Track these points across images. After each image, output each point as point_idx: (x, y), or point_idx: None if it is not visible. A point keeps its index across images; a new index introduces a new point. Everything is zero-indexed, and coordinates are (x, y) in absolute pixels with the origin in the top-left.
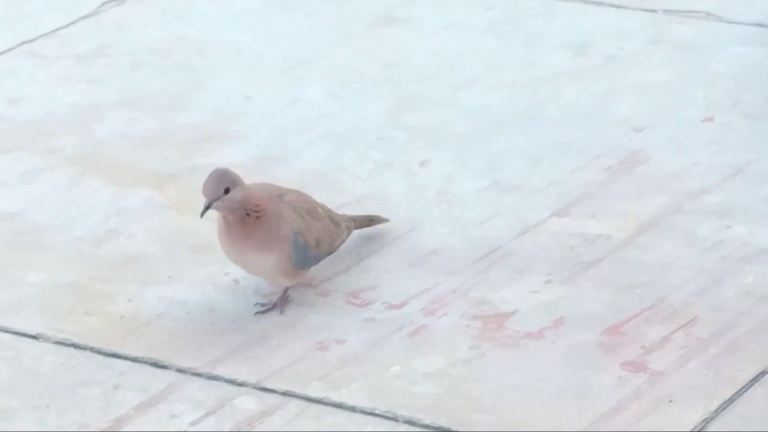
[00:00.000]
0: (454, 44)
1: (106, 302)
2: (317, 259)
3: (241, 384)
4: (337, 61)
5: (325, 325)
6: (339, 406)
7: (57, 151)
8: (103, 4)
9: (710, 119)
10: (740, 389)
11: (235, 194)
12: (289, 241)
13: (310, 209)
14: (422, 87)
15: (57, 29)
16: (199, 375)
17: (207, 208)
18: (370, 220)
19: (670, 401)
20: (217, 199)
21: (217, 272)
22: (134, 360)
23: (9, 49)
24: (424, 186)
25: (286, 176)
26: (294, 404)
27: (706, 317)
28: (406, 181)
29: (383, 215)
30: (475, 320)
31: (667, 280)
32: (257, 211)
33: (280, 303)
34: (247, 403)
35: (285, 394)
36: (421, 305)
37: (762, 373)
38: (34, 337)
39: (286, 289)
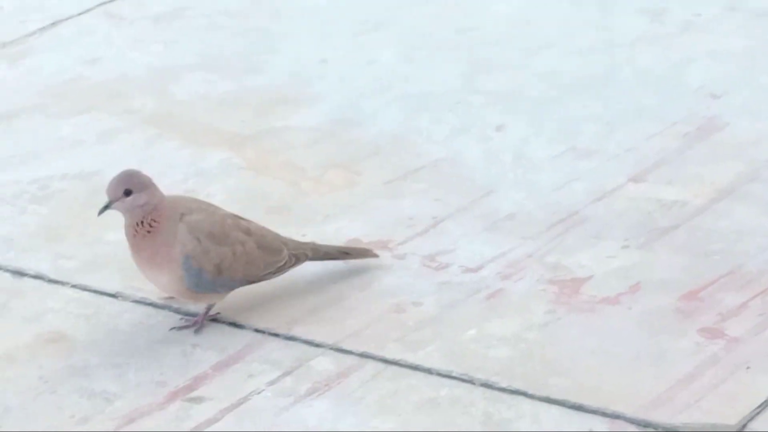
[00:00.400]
0: (528, 9)
1: None
2: (228, 286)
3: (318, 345)
4: (411, 24)
5: (401, 287)
6: (415, 368)
7: (134, 111)
8: None
9: None
10: None
11: (136, 199)
12: (179, 263)
13: (215, 232)
14: (496, 51)
15: None
16: (276, 335)
17: (105, 207)
18: (345, 253)
19: (748, 368)
20: (116, 200)
21: (294, 233)
22: (212, 319)
23: (87, 10)
24: (500, 150)
25: (361, 139)
26: (371, 365)
27: None
28: (482, 145)
29: (373, 249)
30: (551, 285)
31: (744, 247)
32: (150, 225)
33: (198, 322)
34: (324, 363)
35: (362, 355)
36: (497, 269)
37: None
38: (113, 295)
39: (207, 309)
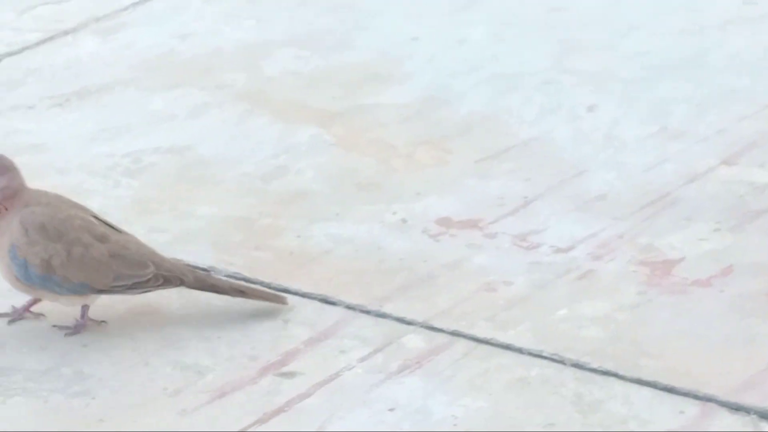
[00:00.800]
0: None
1: (275, 237)
2: (71, 288)
3: (408, 322)
4: (502, 3)
5: (491, 266)
6: (506, 347)
7: (225, 87)
8: None
9: None
10: None
11: None
12: (6, 251)
13: (48, 227)
14: (586, 31)
15: None
16: (367, 312)
17: None
18: (241, 292)
19: None
20: None
21: (383, 210)
22: (303, 295)
23: None
24: (590, 131)
25: (450, 118)
26: (461, 344)
27: None
28: (572, 125)
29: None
30: (642, 266)
31: None
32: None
33: (77, 326)
34: (415, 341)
35: (452, 333)
36: (588, 250)
37: None
38: (205, 269)
39: (83, 311)
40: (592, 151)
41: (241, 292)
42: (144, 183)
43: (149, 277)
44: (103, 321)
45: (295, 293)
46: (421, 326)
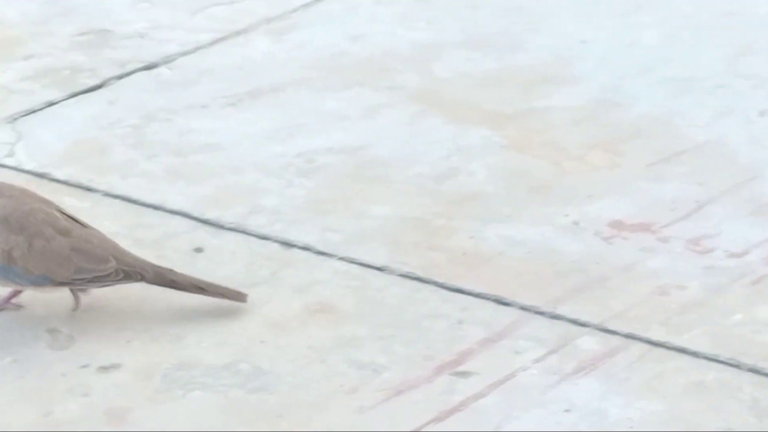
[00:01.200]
0: None
1: (448, 237)
2: (31, 280)
3: (583, 324)
4: (674, 6)
5: (665, 270)
6: (681, 351)
7: (398, 87)
8: None
9: None
10: None
11: None
12: None
13: (10, 219)
14: (761, 35)
15: None
16: (542, 313)
17: None
18: (200, 288)
19: None
20: None
21: (555, 213)
22: (477, 296)
23: None
24: (764, 135)
25: (622, 120)
26: (636, 347)
27: None
28: (746, 129)
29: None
30: None
31: None
32: None
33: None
34: (590, 343)
35: (627, 336)
36: (763, 254)
37: None
38: (379, 269)
39: (11, 295)
40: (766, 155)
41: (200, 289)
42: (318, 183)
43: (110, 271)
44: (20, 306)
45: (469, 293)
46: (596, 328)
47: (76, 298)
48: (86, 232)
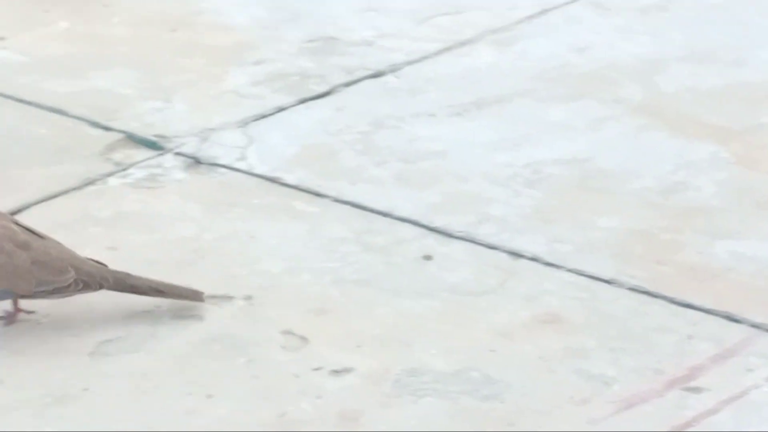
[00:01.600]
0: None
1: (676, 252)
2: None
3: None
4: None
5: None
6: None
7: (622, 100)
8: None
9: None
10: None
11: None
12: None
13: None
14: None
15: None
16: None
17: None
18: (159, 291)
19: None
20: None
21: None
22: (707, 311)
23: (573, 0)
24: None
25: None
26: None
27: None
28: None
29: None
30: None
31: None
32: None
33: (9, 315)
34: None
35: None
36: None
37: None
38: (607, 281)
39: (15, 303)
40: None
41: (159, 292)
42: (545, 193)
43: (69, 282)
44: (32, 311)
45: (699, 309)
46: None
47: (14, 308)
48: (44, 243)
